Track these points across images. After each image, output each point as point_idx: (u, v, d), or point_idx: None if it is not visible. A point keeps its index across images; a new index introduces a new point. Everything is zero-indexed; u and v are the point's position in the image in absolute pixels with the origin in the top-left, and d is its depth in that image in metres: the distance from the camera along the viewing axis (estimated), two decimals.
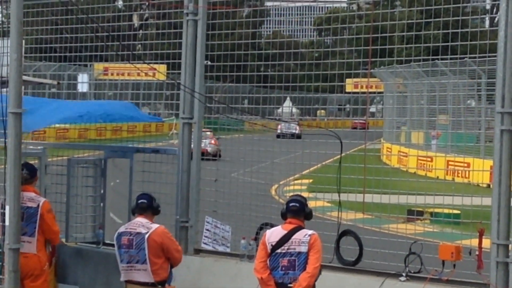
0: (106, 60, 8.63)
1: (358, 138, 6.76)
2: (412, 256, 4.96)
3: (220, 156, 8.73)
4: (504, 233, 4.39)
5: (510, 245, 4.43)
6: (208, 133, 10.06)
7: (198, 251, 5.85)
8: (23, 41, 4.64)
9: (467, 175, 10.86)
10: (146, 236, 4.61)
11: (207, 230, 5.70)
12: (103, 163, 6.60)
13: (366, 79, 7.22)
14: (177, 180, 5.93)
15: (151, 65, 6.31)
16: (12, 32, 4.09)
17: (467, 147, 11.32)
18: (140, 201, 4.92)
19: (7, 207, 4.12)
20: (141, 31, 10.26)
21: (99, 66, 9.52)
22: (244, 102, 8.13)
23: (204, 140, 8.93)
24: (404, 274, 4.88)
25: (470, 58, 6.57)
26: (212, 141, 10.70)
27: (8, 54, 4.14)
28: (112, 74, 10.39)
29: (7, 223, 4.10)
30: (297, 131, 8.47)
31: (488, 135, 6.63)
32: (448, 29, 5.37)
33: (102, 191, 6.54)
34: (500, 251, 4.43)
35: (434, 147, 15.17)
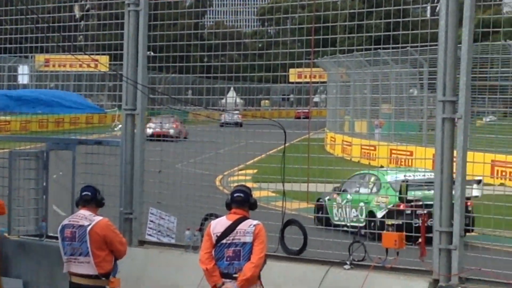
0: (47, 52, 8.48)
1: (301, 128, 6.93)
2: (356, 245, 5.12)
3: (186, 138, 9.54)
4: (446, 221, 4.49)
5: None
6: (172, 118, 12.14)
7: (142, 243, 5.93)
8: None
9: (410, 163, 11.37)
10: (88, 228, 4.59)
11: (152, 221, 5.78)
12: (45, 155, 6.62)
13: (309, 69, 7.41)
14: (121, 171, 6.00)
15: (93, 56, 6.29)
16: None
17: (410, 136, 11.83)
18: (84, 193, 4.88)
19: None
20: (82, 22, 10.04)
21: (40, 58, 9.38)
22: (188, 93, 8.24)
23: (166, 124, 10.06)
24: (348, 263, 5.00)
25: (412, 47, 6.79)
26: (174, 125, 12.12)
27: None
28: (53, 66, 10.21)
29: None
30: (239, 120, 8.73)
31: (431, 124, 6.97)
32: (390, 19, 5.46)
33: (44, 184, 6.55)
34: (442, 238, 4.55)
35: (377, 136, 15.28)
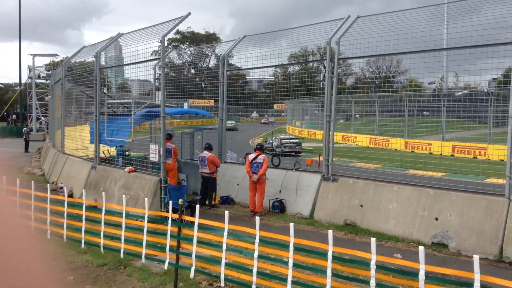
0: (192, 98, 18.78)
1: (279, 124, 17.82)
2: (297, 162, 14.30)
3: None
4: (328, 157, 12.25)
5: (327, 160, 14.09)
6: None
7: (225, 162, 15.76)
8: None
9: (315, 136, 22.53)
10: (207, 157, 14.07)
11: (228, 155, 15.62)
12: (193, 133, 16.40)
13: (281, 104, 18.41)
14: (218, 139, 15.67)
15: (208, 99, 16.44)
16: None
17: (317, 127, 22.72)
18: (206, 145, 14.21)
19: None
20: (204, 85, 20.23)
21: (190, 100, 19.36)
22: (239, 111, 19.02)
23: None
24: (294, 169, 14.31)
25: (315, 94, 16.74)
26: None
27: None
28: (193, 102, 19.75)
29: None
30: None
31: (322, 123, 16.99)
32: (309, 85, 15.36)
33: (193, 142, 16.32)
34: (325, 162, 12.31)
35: (303, 126, 29.27)
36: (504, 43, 9.49)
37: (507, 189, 9.11)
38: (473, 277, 5.15)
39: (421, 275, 5.41)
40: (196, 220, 7.31)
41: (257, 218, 6.82)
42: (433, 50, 11.25)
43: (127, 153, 14.47)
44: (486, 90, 20.31)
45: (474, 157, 20.32)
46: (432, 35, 11.28)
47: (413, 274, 5.66)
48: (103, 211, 8.73)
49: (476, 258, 5.21)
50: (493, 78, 21.02)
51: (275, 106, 19.29)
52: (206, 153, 13.52)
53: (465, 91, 18.84)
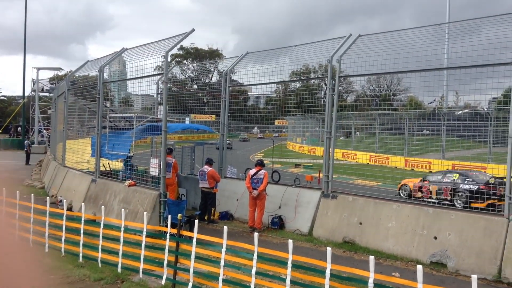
0: (194, 112, 18.92)
1: (279, 140, 17.84)
2: (297, 179, 14.37)
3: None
4: (327, 173, 12.25)
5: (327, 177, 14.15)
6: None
7: (225, 177, 15.80)
8: None
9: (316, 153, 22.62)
10: (207, 171, 14.06)
11: (228, 170, 15.62)
12: (194, 148, 16.46)
13: (282, 120, 18.42)
14: (219, 154, 15.73)
15: (210, 115, 16.52)
16: None
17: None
18: (207, 159, 14.38)
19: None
20: (205, 100, 20.43)
21: (192, 115, 19.50)
22: (240, 127, 19.09)
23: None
24: (293, 185, 14.32)
25: (316, 111, 16.93)
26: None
27: None
28: (195, 117, 19.83)
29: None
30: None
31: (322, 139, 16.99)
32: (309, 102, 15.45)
33: (193, 157, 16.32)
34: (325, 178, 12.22)
35: (304, 142, 30.52)
36: (504, 63, 9.59)
37: (506, 209, 9.10)
38: None
39: None
40: (195, 235, 7.30)
41: (255, 234, 6.82)
42: (433, 69, 11.36)
43: (139, 167, 14.50)
44: (486, 109, 20.39)
45: None
46: (433, 54, 11.38)
47: None
48: (102, 225, 8.72)
49: (474, 278, 5.20)
50: (493, 98, 21.11)
51: (276, 122, 19.49)
52: (207, 168, 13.57)
53: (465, 110, 18.91)
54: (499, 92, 14.23)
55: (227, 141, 19.28)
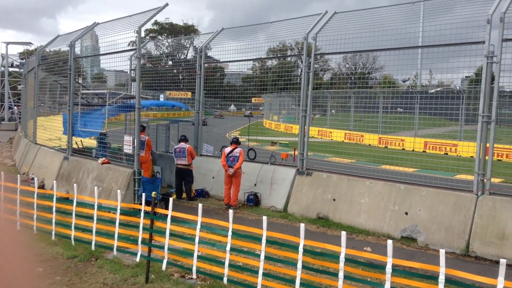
0: (170, 89, 18.52)
1: (255, 118, 17.57)
2: (273, 156, 14.42)
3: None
4: (303, 151, 12.39)
5: (302, 154, 14.20)
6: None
7: (201, 155, 15.73)
8: None
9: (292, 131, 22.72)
10: (186, 148, 13.94)
11: (204, 148, 15.57)
12: (169, 125, 16.22)
13: (259, 98, 18.29)
14: (195, 131, 15.63)
15: (186, 91, 16.28)
16: None
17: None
18: (182, 136, 14.16)
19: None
20: (181, 77, 20.03)
21: (167, 92, 19.13)
22: (217, 105, 18.90)
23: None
24: (269, 163, 14.32)
25: (292, 89, 16.85)
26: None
27: None
28: (170, 94, 19.29)
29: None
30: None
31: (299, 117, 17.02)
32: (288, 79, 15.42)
33: (168, 134, 16.13)
34: (300, 156, 12.34)
35: (281, 120, 30.24)
36: (476, 42, 9.71)
37: (475, 185, 9.36)
38: (439, 270, 5.29)
39: (388, 268, 5.53)
40: (169, 213, 7.29)
41: (230, 211, 6.85)
42: (407, 48, 11.43)
43: (113, 145, 14.25)
44: (458, 88, 20.75)
45: (445, 154, 20.79)
46: (407, 33, 11.43)
47: (381, 267, 5.78)
48: (74, 203, 8.61)
49: (442, 252, 5.36)
50: (466, 77, 21.46)
51: (253, 99, 19.40)
52: (184, 144, 13.47)
53: (438, 89, 19.21)
54: (472, 70, 14.45)
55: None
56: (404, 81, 23.86)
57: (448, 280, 5.38)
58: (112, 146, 14.03)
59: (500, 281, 5.09)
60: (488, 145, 9.31)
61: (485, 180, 9.25)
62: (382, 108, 21.34)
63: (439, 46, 10.67)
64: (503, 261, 5.09)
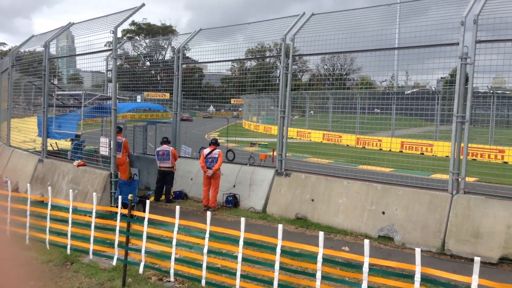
0: (147, 90, 18.26)
1: (234, 119, 17.50)
2: (251, 157, 14.40)
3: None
4: (281, 152, 12.38)
5: (280, 155, 14.19)
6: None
7: (180, 157, 15.58)
8: None
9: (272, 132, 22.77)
10: (170, 150, 13.86)
11: (182, 149, 15.43)
12: (146, 126, 15.95)
13: (238, 98, 18.23)
14: (173, 133, 15.48)
15: (164, 93, 16.09)
16: None
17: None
18: (164, 138, 13.81)
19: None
20: (159, 78, 19.73)
21: (145, 93, 18.85)
22: (195, 106, 18.78)
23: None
24: (248, 164, 14.33)
25: (271, 90, 16.91)
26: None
27: None
28: (148, 95, 19.22)
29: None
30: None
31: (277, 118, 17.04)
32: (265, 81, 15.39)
33: (145, 136, 15.84)
34: (279, 157, 12.40)
35: (260, 121, 30.30)
36: (451, 43, 9.88)
37: (450, 184, 9.52)
38: (415, 269, 5.36)
39: (365, 268, 5.57)
40: (146, 215, 7.20)
41: (208, 213, 6.81)
42: (384, 49, 11.55)
43: (87, 147, 13.98)
44: (434, 89, 21.10)
45: (421, 153, 21.12)
46: (384, 34, 11.55)
47: (359, 267, 5.82)
48: (49, 206, 8.43)
49: (418, 251, 5.42)
50: (441, 78, 21.85)
51: (232, 101, 19.35)
52: (167, 147, 13.35)
53: (414, 90, 19.48)
54: (447, 72, 14.69)
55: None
56: (381, 82, 24.15)
57: (424, 278, 5.44)
58: (87, 148, 13.80)
59: (475, 279, 5.17)
60: (462, 145, 9.48)
61: (459, 179, 9.41)
62: (359, 109, 21.54)
63: (414, 47, 10.80)
64: (477, 259, 5.18)
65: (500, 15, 9.36)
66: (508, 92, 22.84)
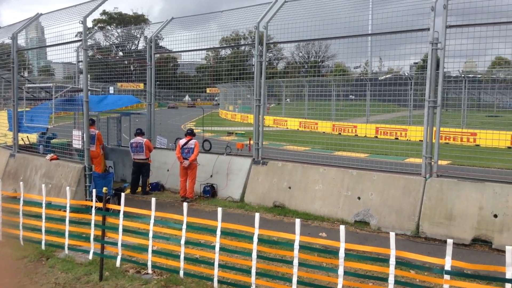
0: (121, 81, 17.76)
1: (211, 108, 17.28)
2: (228, 147, 14.28)
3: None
4: (258, 141, 12.37)
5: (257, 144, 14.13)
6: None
7: (156, 148, 15.39)
8: None
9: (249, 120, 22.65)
10: (143, 142, 13.65)
11: (157, 141, 15.25)
12: (120, 118, 15.51)
13: (213, 87, 18.04)
14: (148, 124, 15.20)
15: (137, 83, 15.76)
16: None
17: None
18: (137, 130, 13.58)
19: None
20: (133, 68, 19.26)
21: (118, 84, 18.33)
22: (171, 96, 18.49)
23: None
24: (225, 154, 13.68)
25: (246, 79, 16.81)
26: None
27: None
28: (122, 86, 18.47)
29: None
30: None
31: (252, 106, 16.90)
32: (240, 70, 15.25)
33: (120, 127, 15.47)
34: (256, 145, 12.32)
35: (236, 110, 29.38)
36: (422, 29, 9.98)
37: (423, 168, 9.70)
38: (390, 252, 5.45)
39: (341, 253, 5.64)
40: (122, 208, 7.12)
41: (184, 204, 6.77)
42: (358, 35, 11.59)
43: (54, 140, 13.66)
44: (407, 74, 21.36)
45: (395, 138, 21.42)
46: (358, 21, 11.59)
47: (335, 253, 5.88)
48: (21, 202, 8.26)
49: (392, 235, 5.52)
50: (414, 63, 22.11)
51: (208, 90, 19.18)
52: (141, 139, 13.20)
53: (388, 76, 19.68)
54: (419, 57, 14.87)
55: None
56: (355, 68, 24.32)
57: (399, 262, 5.55)
58: (56, 142, 13.50)
59: (448, 260, 5.29)
60: (435, 129, 9.64)
61: (432, 163, 9.59)
62: (335, 95, 21.67)
63: (387, 33, 10.89)
64: (450, 241, 5.29)
65: (469, 0, 9.48)
66: (479, 76, 23.29)
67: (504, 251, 5.01)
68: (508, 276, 4.94)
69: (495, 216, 8.49)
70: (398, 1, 11.09)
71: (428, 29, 9.65)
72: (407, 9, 10.21)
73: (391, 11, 10.72)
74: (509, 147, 17.33)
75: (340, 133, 23.12)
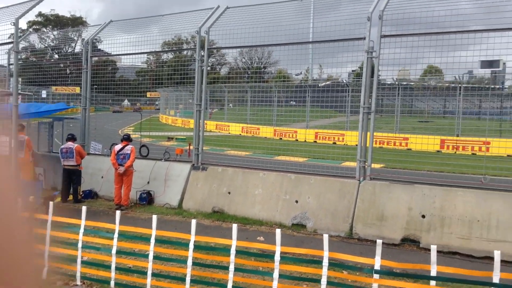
0: (55, 85, 16.86)
1: (150, 113, 16.89)
2: (167, 152, 14.11)
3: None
4: (198, 146, 12.60)
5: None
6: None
7: (89, 154, 14.80)
8: None
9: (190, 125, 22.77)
10: (74, 147, 13.07)
11: (92, 146, 14.71)
12: (52, 122, 14.74)
13: (154, 92, 17.67)
14: (81, 129, 14.62)
15: (74, 87, 15.09)
16: None
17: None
18: (69, 135, 13.14)
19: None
20: (68, 72, 18.35)
21: (53, 88, 17.35)
22: (109, 101, 17.87)
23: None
24: (163, 159, 13.84)
25: (188, 84, 16.67)
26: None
27: None
28: (56, 90, 17.44)
29: None
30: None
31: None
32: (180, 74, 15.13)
33: (51, 133, 14.71)
34: (195, 151, 13.68)
35: (178, 115, 30.06)
36: (358, 38, 10.31)
37: (357, 171, 9.98)
38: (323, 254, 5.54)
39: (277, 256, 5.66)
40: (49, 218, 6.76)
41: (117, 212, 6.55)
42: (299, 43, 11.82)
43: None
44: (345, 81, 21.99)
45: (333, 143, 21.97)
46: (299, 29, 11.80)
47: (272, 256, 5.90)
48: None
49: (325, 237, 5.61)
50: (352, 70, 22.83)
51: (148, 94, 18.76)
52: (72, 144, 12.63)
53: (327, 82, 20.17)
54: (356, 65, 15.35)
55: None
56: (296, 75, 24.74)
57: (332, 263, 5.64)
58: None
59: (377, 260, 5.45)
60: (369, 134, 9.96)
61: (366, 166, 9.90)
62: (276, 101, 21.91)
63: (326, 41, 11.15)
64: (379, 242, 5.47)
65: (403, 11, 9.92)
66: (412, 83, 24.43)
67: (430, 250, 5.23)
68: (432, 273, 5.16)
69: (423, 216, 8.88)
70: (338, 10, 11.42)
71: (364, 38, 9.98)
72: (346, 19, 10.54)
73: (331, 20, 11.00)
74: (438, 151, 18.26)
75: (281, 138, 23.40)
